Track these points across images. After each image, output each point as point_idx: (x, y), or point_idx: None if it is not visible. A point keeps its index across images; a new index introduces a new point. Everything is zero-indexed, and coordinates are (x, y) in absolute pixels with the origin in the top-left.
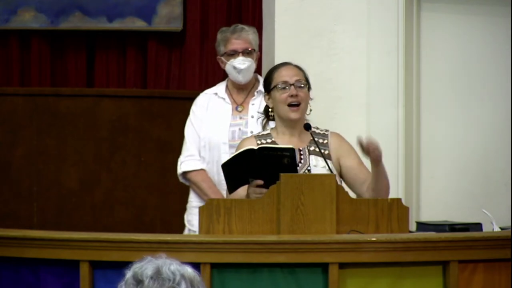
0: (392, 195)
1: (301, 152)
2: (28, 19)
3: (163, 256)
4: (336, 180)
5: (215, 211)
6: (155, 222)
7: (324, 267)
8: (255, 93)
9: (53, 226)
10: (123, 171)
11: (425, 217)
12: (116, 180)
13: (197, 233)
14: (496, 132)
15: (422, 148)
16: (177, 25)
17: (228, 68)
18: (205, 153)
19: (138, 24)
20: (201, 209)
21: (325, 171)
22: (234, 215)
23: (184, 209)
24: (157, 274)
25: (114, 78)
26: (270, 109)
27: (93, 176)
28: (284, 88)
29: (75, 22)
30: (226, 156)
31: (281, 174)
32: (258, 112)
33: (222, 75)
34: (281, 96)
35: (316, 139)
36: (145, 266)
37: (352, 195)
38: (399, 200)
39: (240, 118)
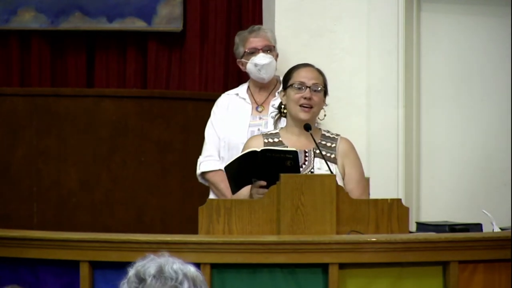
0: (392, 195)
1: (307, 154)
2: (28, 19)
3: (166, 254)
4: (336, 181)
5: (215, 211)
6: (155, 222)
7: (324, 268)
8: (276, 93)
9: (53, 226)
10: (123, 171)
11: (425, 218)
12: (116, 180)
13: None
14: (496, 132)
15: (422, 148)
16: (177, 26)
17: (249, 67)
18: (225, 153)
19: (138, 24)
20: (201, 209)
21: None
22: (234, 215)
23: (184, 209)
24: (160, 273)
25: (114, 79)
26: (283, 106)
27: (93, 176)
28: (300, 88)
29: (75, 22)
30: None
31: (281, 175)
32: (272, 106)
33: (222, 76)
34: (295, 95)
35: (324, 142)
36: (148, 265)
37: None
38: (399, 200)
39: (260, 118)
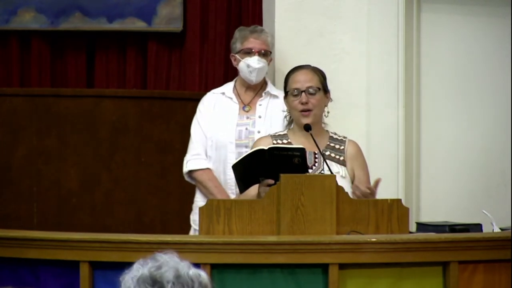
0: (392, 195)
1: (316, 156)
2: (28, 20)
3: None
4: (336, 181)
5: (215, 211)
6: (155, 222)
7: (324, 268)
8: (263, 94)
9: (53, 227)
10: (123, 171)
11: (425, 218)
12: (116, 180)
13: None
14: (496, 132)
15: (422, 149)
16: (177, 26)
17: (241, 65)
18: (212, 152)
19: (138, 24)
20: (201, 209)
21: (338, 176)
22: (234, 215)
23: (184, 210)
24: (177, 279)
25: (114, 79)
26: (288, 112)
27: (93, 176)
28: (296, 95)
29: (75, 22)
30: (232, 156)
31: (281, 175)
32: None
33: (222, 76)
34: (293, 102)
35: (332, 144)
36: (165, 269)
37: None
38: (399, 200)
39: (247, 118)
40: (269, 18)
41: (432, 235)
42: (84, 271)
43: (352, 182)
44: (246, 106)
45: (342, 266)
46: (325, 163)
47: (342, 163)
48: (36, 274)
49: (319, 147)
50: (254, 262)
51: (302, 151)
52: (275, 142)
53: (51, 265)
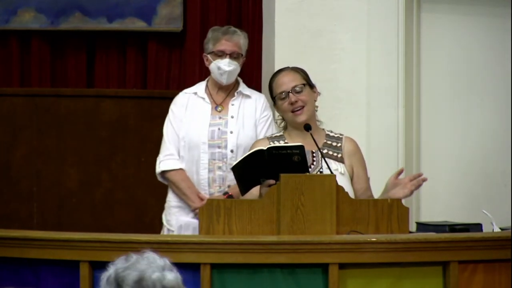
0: None
1: (314, 154)
2: (28, 20)
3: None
4: (336, 181)
5: (215, 211)
6: (155, 222)
7: (324, 268)
8: (235, 93)
9: (53, 227)
10: (123, 171)
11: (425, 218)
12: (116, 180)
13: (175, 232)
14: (496, 132)
15: (422, 149)
16: (177, 26)
17: (212, 67)
18: (185, 153)
19: (138, 24)
20: (201, 209)
21: (337, 173)
22: (234, 215)
23: None
24: (138, 283)
25: (114, 79)
26: (281, 118)
27: (93, 176)
28: (284, 97)
29: (75, 22)
30: (205, 156)
31: (281, 175)
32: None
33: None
34: (283, 105)
35: (329, 142)
36: (129, 271)
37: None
38: (399, 200)
39: (220, 118)
40: (269, 18)
41: (432, 235)
42: (84, 271)
43: (351, 178)
44: (219, 106)
45: (342, 266)
46: (323, 161)
47: (340, 160)
48: (36, 274)
49: (317, 145)
50: (254, 262)
51: (301, 148)
52: (272, 143)
53: (51, 265)
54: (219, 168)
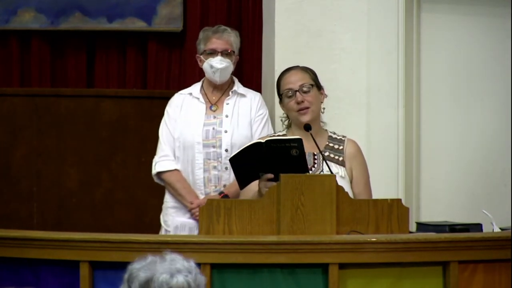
0: (392, 195)
1: (315, 157)
2: (28, 20)
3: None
4: (336, 181)
5: (215, 211)
6: (155, 222)
7: (324, 268)
8: (230, 93)
9: (53, 227)
10: (123, 171)
11: (425, 218)
12: (116, 180)
13: (171, 233)
14: (496, 132)
15: (422, 149)
16: (177, 26)
17: (205, 66)
18: (180, 153)
19: (138, 24)
20: (201, 209)
21: (337, 177)
22: (234, 215)
23: None
24: (146, 284)
25: (114, 79)
26: (286, 116)
27: (93, 176)
28: (291, 96)
29: (75, 22)
30: (200, 156)
31: (281, 175)
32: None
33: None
34: (289, 104)
35: (331, 144)
36: (139, 272)
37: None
38: (399, 200)
39: (214, 117)
40: (269, 18)
41: (432, 235)
42: (84, 271)
43: (351, 182)
44: (213, 106)
45: (342, 266)
46: (325, 164)
47: (341, 163)
48: (36, 274)
49: (318, 147)
50: (254, 262)
51: (299, 141)
52: None
53: (51, 265)
54: (214, 167)
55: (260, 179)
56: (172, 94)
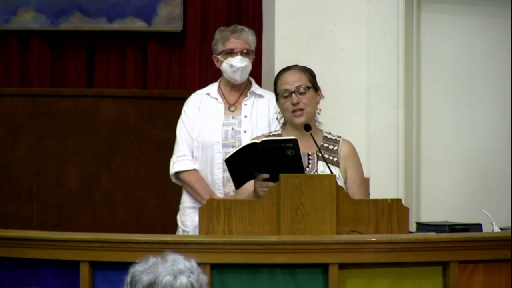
0: (392, 195)
1: (310, 157)
2: (28, 20)
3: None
4: (336, 181)
5: (215, 211)
6: (155, 222)
7: (324, 268)
8: (248, 93)
9: (53, 227)
10: (123, 171)
11: (425, 218)
12: (116, 180)
13: (190, 233)
14: (496, 132)
15: (422, 149)
16: (177, 26)
17: (224, 66)
18: (198, 153)
19: (138, 24)
20: (201, 209)
21: None
22: (234, 215)
23: None
24: (149, 287)
25: (114, 79)
26: (280, 115)
27: (93, 176)
28: (287, 96)
29: (75, 22)
30: (219, 156)
31: (281, 175)
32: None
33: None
34: (284, 104)
35: (326, 144)
36: (142, 275)
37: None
38: (399, 200)
39: (233, 117)
40: (269, 18)
41: (432, 235)
42: (84, 271)
43: (346, 182)
44: (232, 106)
45: (342, 266)
46: (320, 164)
47: (336, 164)
48: (36, 274)
49: (313, 147)
50: (254, 262)
51: (294, 142)
52: None
53: (51, 265)
54: None
55: (256, 179)
56: (172, 94)
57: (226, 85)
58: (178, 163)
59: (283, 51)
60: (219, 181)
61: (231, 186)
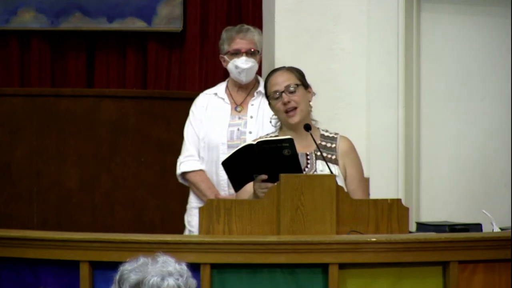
0: (392, 195)
1: (308, 157)
2: (28, 20)
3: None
4: (336, 181)
5: (215, 211)
6: (155, 222)
7: (324, 268)
8: (255, 93)
9: (53, 226)
10: (123, 171)
11: (425, 218)
12: (116, 180)
13: (195, 233)
14: (496, 132)
15: (422, 149)
16: (177, 26)
17: (230, 67)
18: (204, 154)
19: (138, 24)
20: (201, 209)
21: None
22: (234, 215)
23: (184, 210)
24: (136, 286)
25: (114, 79)
26: (274, 117)
27: (93, 176)
28: (277, 97)
29: (75, 22)
30: (224, 157)
31: (281, 175)
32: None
33: (222, 76)
34: (276, 105)
35: (323, 143)
36: (130, 274)
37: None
38: (399, 200)
39: (239, 118)
40: (269, 18)
41: (432, 235)
42: (84, 271)
43: (345, 179)
44: (238, 107)
45: (342, 266)
46: (319, 163)
47: (335, 162)
48: (36, 274)
49: (311, 147)
50: (254, 262)
51: (290, 141)
52: None
53: (51, 265)
54: None
55: (255, 181)
56: (172, 94)
57: (234, 84)
58: (185, 163)
59: (283, 51)
60: (224, 182)
61: None
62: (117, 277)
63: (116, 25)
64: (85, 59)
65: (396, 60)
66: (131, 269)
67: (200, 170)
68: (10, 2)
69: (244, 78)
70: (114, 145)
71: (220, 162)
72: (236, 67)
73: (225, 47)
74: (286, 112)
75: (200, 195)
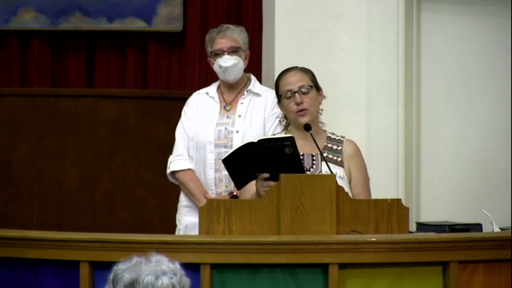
0: (392, 195)
1: (314, 158)
2: (28, 20)
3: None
4: (336, 181)
5: (215, 211)
6: (155, 222)
7: (324, 268)
8: (245, 92)
9: (53, 226)
10: (123, 171)
11: (425, 218)
12: (116, 180)
13: (181, 232)
14: (496, 132)
15: (422, 149)
16: (177, 26)
17: (215, 68)
18: (194, 153)
19: (138, 24)
20: (201, 209)
21: (337, 178)
22: (234, 215)
23: None
24: (131, 285)
25: (114, 79)
26: (283, 116)
27: (93, 176)
28: (290, 97)
29: (75, 22)
30: (211, 156)
31: (281, 175)
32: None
33: None
34: (288, 105)
35: (330, 145)
36: (124, 273)
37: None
38: (399, 200)
39: (228, 117)
40: (269, 18)
41: (432, 235)
42: (84, 271)
43: (350, 182)
44: (228, 105)
45: (342, 266)
46: (324, 164)
47: (340, 164)
48: (36, 274)
49: (317, 149)
50: (254, 262)
51: (291, 139)
52: None
53: (51, 265)
54: None
55: (257, 179)
56: (172, 94)
57: (225, 84)
58: (175, 162)
59: (283, 51)
60: (211, 181)
61: (223, 186)
62: (111, 276)
63: (116, 25)
64: (85, 59)
65: (396, 60)
66: (125, 269)
67: (189, 169)
68: (10, 2)
69: (229, 77)
70: (114, 145)
71: (207, 161)
72: (220, 66)
73: (209, 49)
74: (297, 112)
75: (188, 194)
